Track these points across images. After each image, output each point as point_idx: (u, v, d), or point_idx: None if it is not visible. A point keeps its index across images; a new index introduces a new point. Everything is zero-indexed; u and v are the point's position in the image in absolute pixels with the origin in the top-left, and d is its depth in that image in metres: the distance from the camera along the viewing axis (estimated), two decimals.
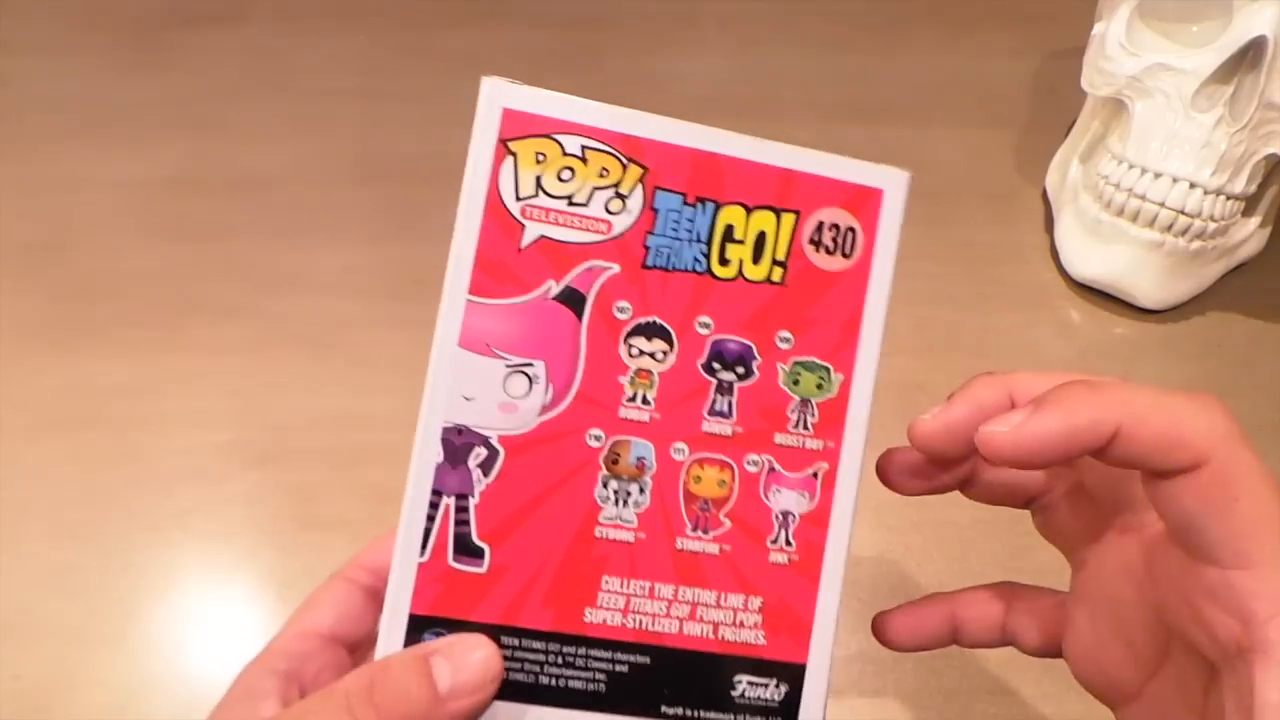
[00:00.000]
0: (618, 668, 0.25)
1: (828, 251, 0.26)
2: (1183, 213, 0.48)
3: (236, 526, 0.45)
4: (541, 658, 0.25)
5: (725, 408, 0.26)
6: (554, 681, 0.25)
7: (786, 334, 0.26)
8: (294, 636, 0.28)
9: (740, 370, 0.26)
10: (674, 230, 0.25)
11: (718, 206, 0.26)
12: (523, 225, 0.25)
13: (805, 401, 0.26)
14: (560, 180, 0.25)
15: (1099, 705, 0.28)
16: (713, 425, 0.26)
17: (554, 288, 0.25)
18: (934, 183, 0.57)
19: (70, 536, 0.44)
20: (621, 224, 0.25)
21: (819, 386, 0.26)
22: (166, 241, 0.54)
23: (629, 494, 0.26)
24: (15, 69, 0.61)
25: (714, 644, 0.26)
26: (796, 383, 0.26)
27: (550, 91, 0.25)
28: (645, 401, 0.26)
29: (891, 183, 0.26)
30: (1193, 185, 0.48)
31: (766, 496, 0.26)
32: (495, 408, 0.25)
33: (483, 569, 0.25)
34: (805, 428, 0.26)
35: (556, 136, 0.25)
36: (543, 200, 0.25)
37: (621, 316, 0.25)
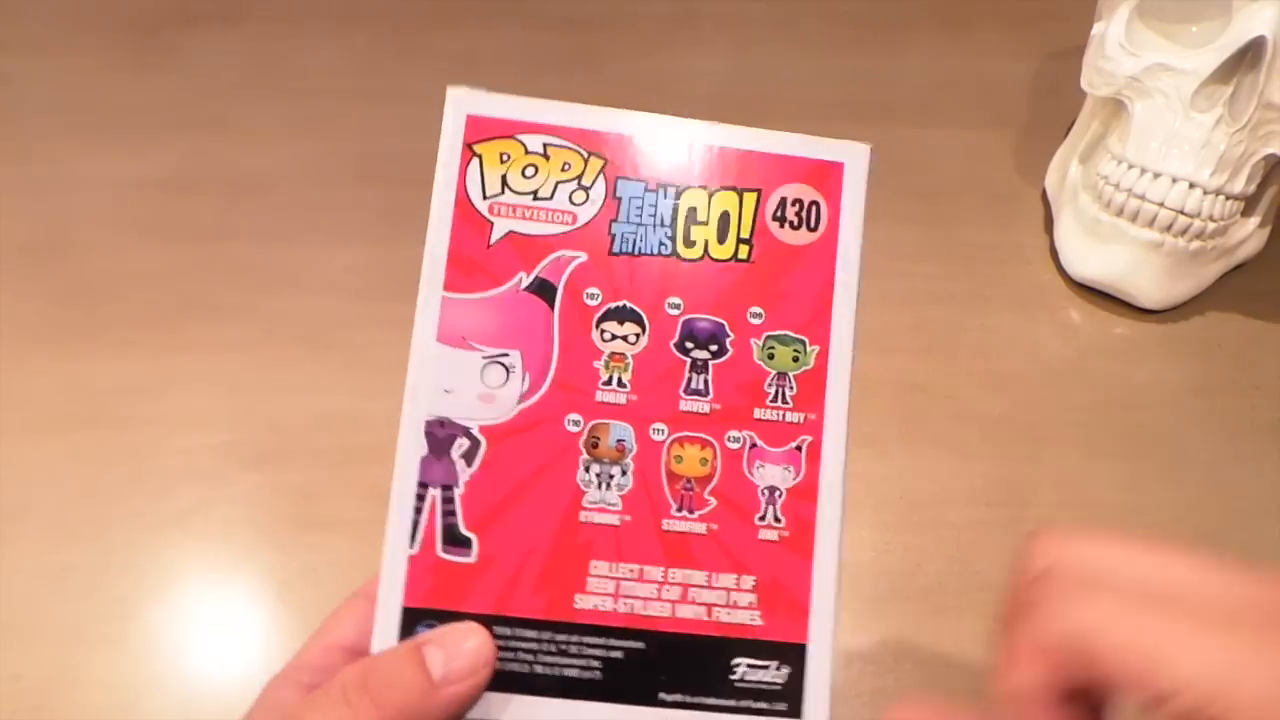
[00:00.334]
0: (612, 654, 0.25)
1: (792, 226, 0.27)
2: (1182, 213, 0.48)
3: (236, 526, 0.45)
4: (535, 646, 0.25)
5: (701, 386, 0.26)
6: (549, 670, 0.25)
7: (757, 309, 0.26)
8: (317, 651, 0.28)
9: (713, 348, 0.26)
10: (638, 216, 0.26)
11: (679, 191, 0.26)
12: (491, 222, 0.26)
13: (782, 375, 0.26)
14: (524, 177, 0.26)
15: None
16: (690, 404, 0.26)
17: (525, 279, 0.26)
18: (934, 183, 0.57)
19: (70, 536, 0.44)
20: (586, 214, 0.26)
21: (795, 359, 0.26)
22: (166, 241, 0.54)
23: (611, 477, 0.26)
24: (15, 69, 0.61)
25: (709, 626, 0.26)
26: (771, 357, 0.26)
27: (511, 96, 0.26)
28: (621, 384, 0.26)
29: (852, 156, 0.27)
30: (1192, 185, 0.48)
31: (750, 472, 0.26)
32: (475, 399, 0.26)
33: (472, 558, 0.25)
34: (784, 401, 0.26)
35: (519, 137, 0.26)
36: (509, 197, 0.26)
37: (592, 303, 0.26)
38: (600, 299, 0.26)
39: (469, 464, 0.25)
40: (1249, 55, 0.47)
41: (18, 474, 0.46)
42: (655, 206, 0.26)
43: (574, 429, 0.26)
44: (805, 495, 0.26)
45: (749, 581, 0.26)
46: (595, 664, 0.25)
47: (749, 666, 0.26)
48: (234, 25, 0.63)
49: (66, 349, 0.50)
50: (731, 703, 0.26)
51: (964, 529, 0.45)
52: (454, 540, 0.25)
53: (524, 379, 0.26)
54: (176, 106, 0.59)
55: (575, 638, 0.25)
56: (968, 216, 0.56)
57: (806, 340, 0.27)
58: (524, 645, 0.25)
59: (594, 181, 0.26)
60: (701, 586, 0.26)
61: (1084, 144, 0.54)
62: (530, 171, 0.26)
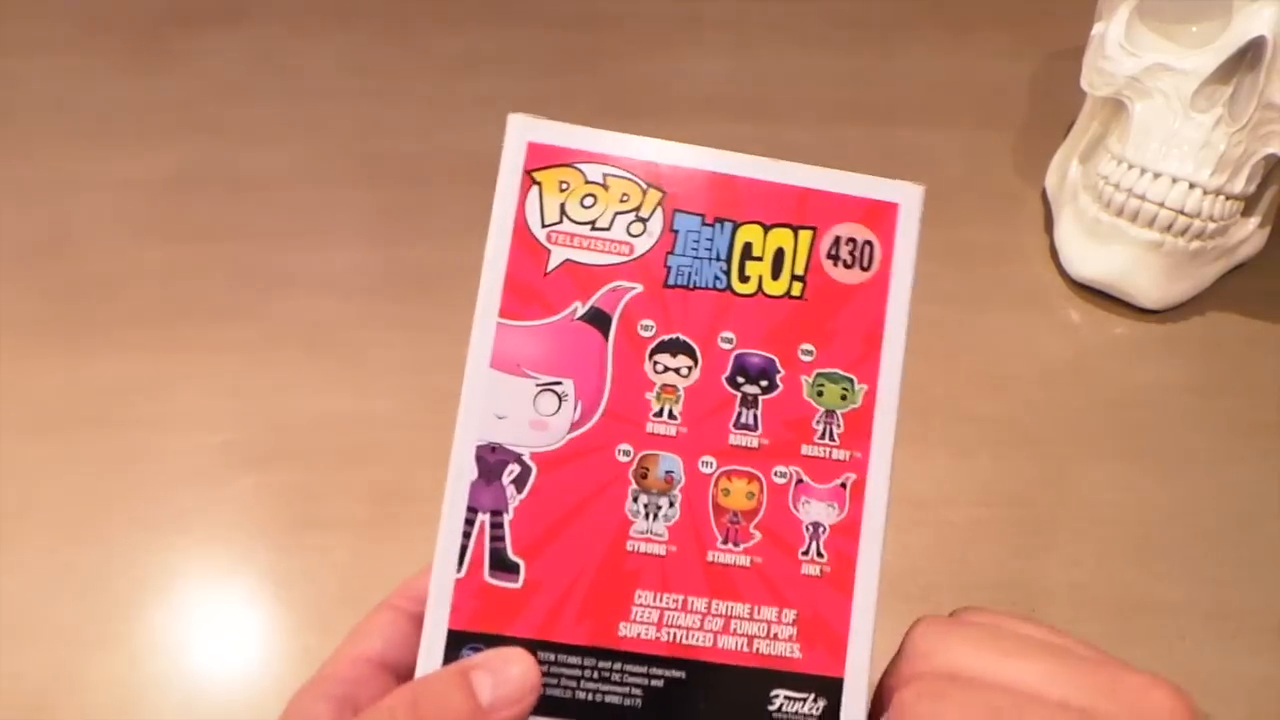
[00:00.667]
0: (653, 682, 0.26)
1: (845, 265, 0.27)
2: (1182, 213, 0.48)
3: (236, 526, 0.45)
4: (578, 673, 0.26)
5: (751, 420, 0.27)
6: (590, 696, 0.26)
7: (809, 346, 0.27)
8: (346, 663, 0.28)
9: (764, 383, 0.27)
10: (694, 250, 0.26)
11: (736, 226, 0.27)
12: (549, 250, 0.26)
13: (830, 412, 0.27)
14: (583, 206, 0.26)
15: None
16: (739, 438, 0.26)
17: (580, 308, 0.26)
18: (934, 183, 0.56)
19: (70, 536, 0.44)
20: (643, 246, 0.26)
21: (843, 397, 0.27)
22: (166, 241, 0.54)
23: (659, 507, 0.26)
24: (16, 69, 0.61)
25: (749, 657, 0.26)
26: (820, 394, 0.27)
27: (571, 125, 0.26)
28: (671, 416, 0.26)
29: (906, 197, 0.28)
30: (1192, 185, 0.48)
31: (796, 508, 0.26)
32: (527, 425, 0.26)
33: (518, 584, 0.25)
34: (831, 438, 0.27)
35: (579, 165, 0.26)
36: (567, 226, 0.26)
37: (646, 334, 0.26)
38: (654, 331, 0.26)
39: (519, 490, 0.26)
40: (1249, 55, 0.47)
41: (18, 474, 0.46)
42: (711, 241, 0.27)
43: (624, 459, 0.26)
44: (848, 532, 0.26)
45: (790, 615, 0.26)
46: (637, 692, 0.26)
47: (787, 699, 0.26)
48: (234, 25, 0.63)
49: (66, 349, 0.50)
50: None
51: (964, 529, 0.45)
52: (501, 565, 0.25)
53: (576, 407, 0.26)
54: (176, 106, 0.59)
55: (618, 665, 0.26)
56: (968, 216, 0.56)
57: (855, 379, 0.27)
58: (567, 671, 0.25)
59: (652, 214, 0.26)
60: (743, 619, 0.26)
61: (1084, 144, 0.54)
62: (589, 201, 0.26)
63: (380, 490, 0.46)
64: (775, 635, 0.26)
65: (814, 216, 0.27)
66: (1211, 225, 0.49)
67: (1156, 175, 0.48)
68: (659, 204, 0.26)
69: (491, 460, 0.26)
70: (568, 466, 0.26)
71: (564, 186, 0.26)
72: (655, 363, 0.26)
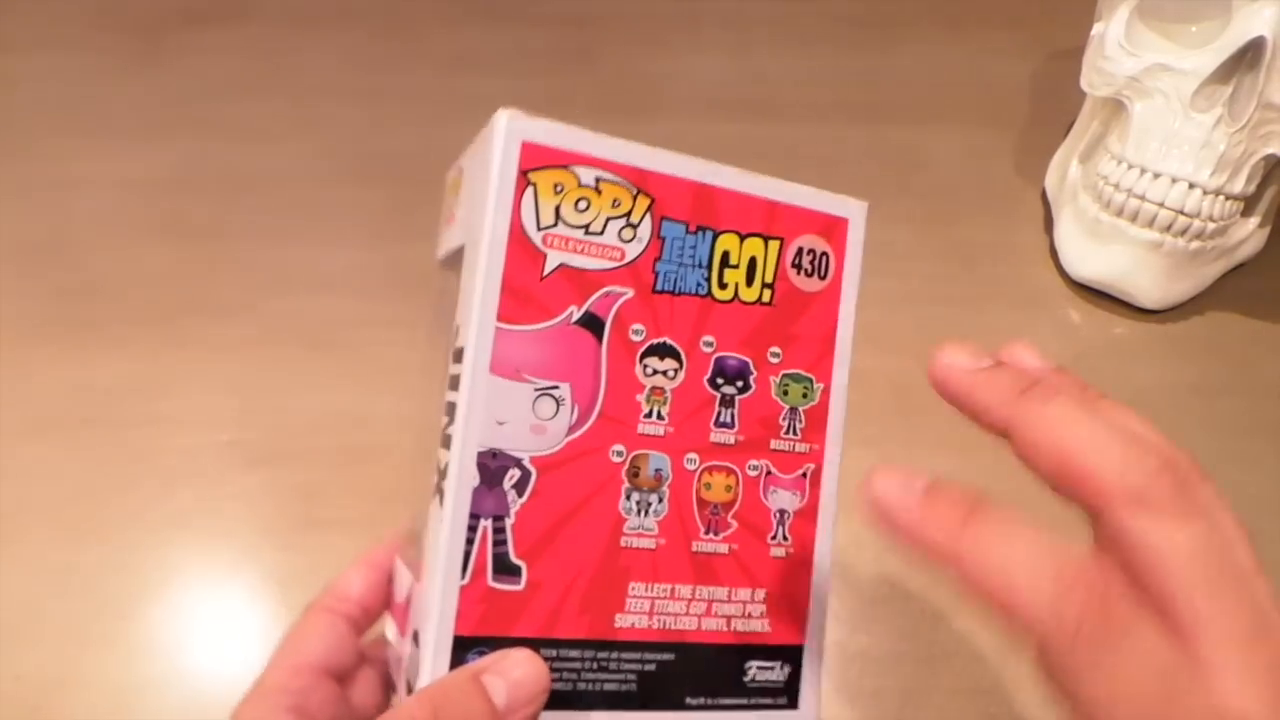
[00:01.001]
0: (646, 667, 0.27)
1: (807, 274, 0.29)
2: (1182, 213, 0.48)
3: (236, 526, 0.45)
4: (579, 665, 0.26)
5: (729, 419, 0.28)
6: (591, 686, 0.26)
7: (776, 349, 0.29)
8: (289, 672, 0.28)
9: (740, 384, 0.28)
10: (679, 256, 0.27)
11: (716, 234, 0.28)
12: (545, 254, 0.26)
13: (794, 410, 0.29)
14: (578, 210, 0.26)
15: None
16: (719, 435, 0.28)
17: (576, 313, 0.26)
18: (934, 183, 0.57)
19: (70, 536, 0.44)
20: (633, 251, 0.27)
21: (804, 395, 0.29)
22: (166, 241, 0.54)
23: (649, 504, 0.27)
24: (16, 68, 0.61)
25: (728, 635, 0.28)
26: (786, 393, 0.29)
27: (563, 124, 0.26)
28: (660, 417, 0.27)
29: (855, 213, 0.30)
30: (1192, 185, 0.48)
31: (765, 497, 0.28)
32: (526, 430, 0.26)
33: (520, 586, 0.26)
34: (795, 433, 0.29)
35: (573, 168, 0.26)
36: (562, 229, 0.26)
37: (636, 338, 0.27)
38: (644, 335, 0.27)
39: (520, 495, 0.26)
40: (1249, 55, 0.47)
41: (18, 474, 0.46)
42: (695, 248, 0.27)
43: (617, 460, 0.27)
44: (808, 516, 0.29)
45: (761, 594, 0.28)
46: (631, 677, 0.27)
47: (759, 668, 0.28)
48: (235, 25, 0.63)
49: (66, 349, 0.50)
50: (744, 701, 0.28)
51: None
52: (504, 569, 0.26)
53: (573, 411, 0.26)
54: (177, 106, 0.59)
55: (615, 654, 0.27)
56: (968, 216, 0.56)
57: (814, 378, 0.29)
58: (568, 665, 0.26)
59: (641, 220, 0.27)
60: (723, 601, 0.28)
61: (1084, 144, 0.54)
62: (583, 205, 0.26)
63: (380, 489, 0.45)
64: (749, 614, 0.28)
65: (781, 228, 0.28)
66: (1211, 225, 0.49)
67: (1156, 175, 0.48)
68: (648, 210, 0.27)
69: (493, 466, 0.26)
70: (566, 469, 0.26)
71: (558, 189, 0.26)
72: (645, 366, 0.27)
